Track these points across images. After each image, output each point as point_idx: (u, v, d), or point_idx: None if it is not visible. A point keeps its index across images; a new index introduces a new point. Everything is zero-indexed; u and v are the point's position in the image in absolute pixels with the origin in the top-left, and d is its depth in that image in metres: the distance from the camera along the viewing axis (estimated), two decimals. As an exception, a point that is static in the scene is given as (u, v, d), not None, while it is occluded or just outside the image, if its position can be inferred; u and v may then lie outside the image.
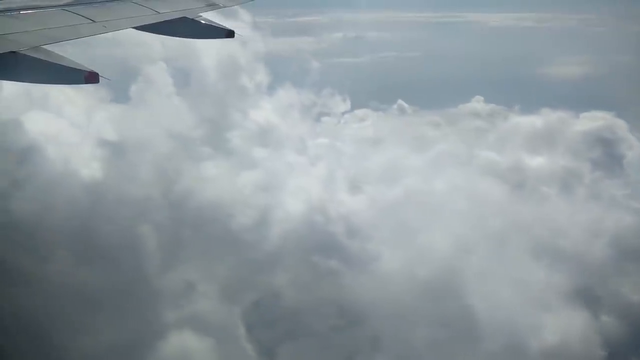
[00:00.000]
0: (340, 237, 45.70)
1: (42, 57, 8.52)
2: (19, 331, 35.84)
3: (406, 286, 42.49)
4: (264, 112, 55.87)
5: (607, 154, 60.16)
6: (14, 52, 8.30)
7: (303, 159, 53.68)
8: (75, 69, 8.65)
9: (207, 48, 49.55)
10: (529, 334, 40.28)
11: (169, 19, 10.57)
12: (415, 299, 41.63)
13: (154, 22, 10.27)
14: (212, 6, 11.94)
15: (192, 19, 11.08)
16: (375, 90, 76.82)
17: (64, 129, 46.75)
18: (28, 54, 8.41)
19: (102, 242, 40.60)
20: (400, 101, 75.12)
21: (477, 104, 79.20)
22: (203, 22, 11.25)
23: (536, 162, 58.58)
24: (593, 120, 65.35)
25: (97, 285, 38.65)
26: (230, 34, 11.23)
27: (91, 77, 8.67)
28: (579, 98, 72.28)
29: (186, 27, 11.06)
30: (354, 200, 49.85)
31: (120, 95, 51.45)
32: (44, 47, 8.70)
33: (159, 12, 10.50)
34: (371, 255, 44.55)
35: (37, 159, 43.02)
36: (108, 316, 38.12)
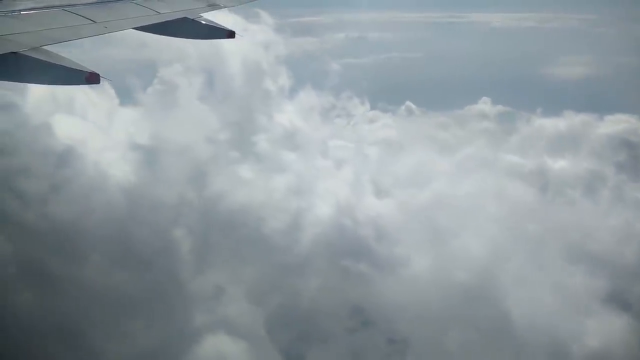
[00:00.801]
0: (369, 240, 45.63)
1: (43, 57, 8.56)
2: (53, 334, 36.34)
3: (437, 290, 42.09)
4: (283, 114, 56.13)
5: (631, 157, 58.60)
6: (14, 52, 8.35)
7: (327, 162, 53.77)
8: (76, 69, 8.67)
9: (228, 51, 49.94)
10: (569, 339, 39.44)
11: (170, 19, 10.63)
12: (448, 303, 41.17)
13: (155, 22, 10.34)
14: (213, 6, 11.96)
15: (193, 20, 11.12)
16: (382, 91, 76.09)
17: (92, 133, 47.50)
18: (29, 55, 8.46)
19: (134, 246, 41.11)
20: (408, 102, 74.49)
21: (485, 105, 78.67)
22: (204, 22, 11.29)
23: (560, 165, 57.38)
24: (616, 123, 63.85)
25: (131, 289, 39.09)
26: (231, 34, 11.22)
27: (92, 78, 8.70)
28: (588, 99, 71.22)
29: (187, 28, 11.09)
30: (380, 204, 49.74)
31: (145, 98, 52.26)
32: (45, 47, 8.78)
33: (159, 13, 10.55)
34: (400, 259, 44.31)
35: (68, 162, 43.81)
36: (143, 319, 38.45)
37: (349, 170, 53.42)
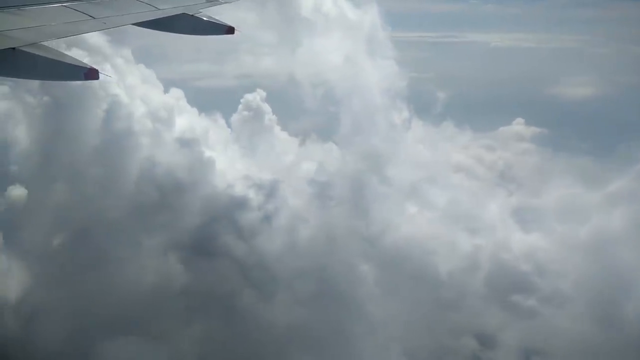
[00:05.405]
0: (532, 276, 44.41)
1: (42, 53, 8.53)
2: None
3: (613, 327, 40.75)
4: (406, 145, 54.82)
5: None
6: (13, 48, 8.30)
7: (460, 193, 52.07)
8: (75, 65, 8.65)
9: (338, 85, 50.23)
10: None
11: (169, 15, 10.62)
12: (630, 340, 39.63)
13: (154, 18, 10.32)
14: (212, 2, 11.96)
15: (192, 15, 11.11)
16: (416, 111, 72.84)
17: (247, 167, 47.82)
18: (28, 51, 8.42)
19: (299, 278, 41.51)
20: (446, 122, 68.50)
21: (519, 126, 76.64)
22: (204, 18, 11.27)
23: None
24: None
25: (312, 326, 39.28)
26: (230, 30, 11.21)
27: (91, 74, 8.67)
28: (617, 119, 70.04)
29: (186, 23, 11.07)
30: (531, 238, 47.80)
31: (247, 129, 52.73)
32: (44, 43, 8.73)
33: (158, 9, 10.55)
34: (566, 295, 43.17)
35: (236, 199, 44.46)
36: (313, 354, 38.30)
37: (485, 201, 51.92)
